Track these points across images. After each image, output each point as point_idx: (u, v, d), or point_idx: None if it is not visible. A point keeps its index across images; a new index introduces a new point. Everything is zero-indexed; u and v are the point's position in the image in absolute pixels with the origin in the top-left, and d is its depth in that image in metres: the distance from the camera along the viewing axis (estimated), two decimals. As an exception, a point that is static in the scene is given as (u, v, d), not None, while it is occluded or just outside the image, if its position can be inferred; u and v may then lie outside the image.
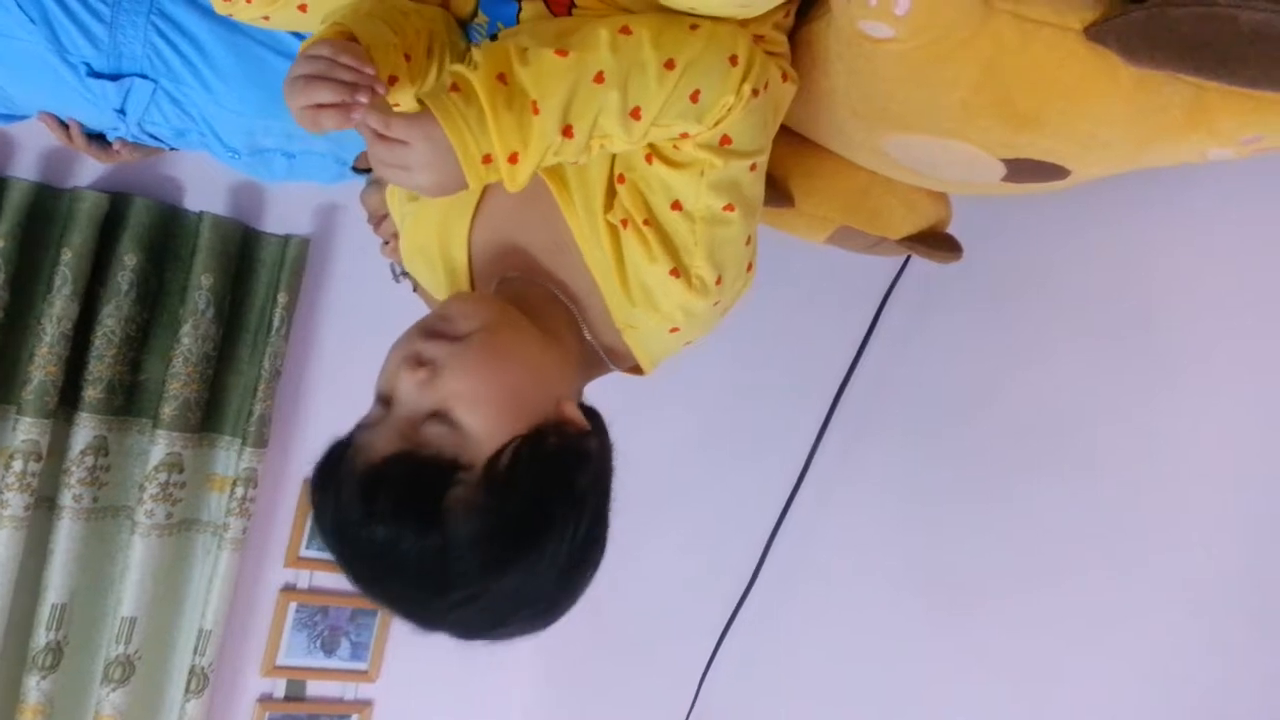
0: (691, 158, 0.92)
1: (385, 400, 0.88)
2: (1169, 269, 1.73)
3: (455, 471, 0.83)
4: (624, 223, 0.93)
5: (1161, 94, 0.97)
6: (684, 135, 0.91)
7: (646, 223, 0.92)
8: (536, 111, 0.86)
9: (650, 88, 0.88)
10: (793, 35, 1.04)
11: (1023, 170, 1.13)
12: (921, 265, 1.56)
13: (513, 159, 0.86)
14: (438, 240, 1.07)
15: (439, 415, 0.85)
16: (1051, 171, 1.13)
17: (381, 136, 0.87)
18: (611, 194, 0.94)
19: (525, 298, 0.98)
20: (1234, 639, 1.56)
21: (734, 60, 0.91)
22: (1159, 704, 1.60)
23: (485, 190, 1.01)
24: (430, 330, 0.88)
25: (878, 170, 1.28)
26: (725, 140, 0.92)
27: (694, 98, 0.89)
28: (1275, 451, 1.57)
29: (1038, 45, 0.94)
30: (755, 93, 0.92)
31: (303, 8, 1.02)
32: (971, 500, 1.88)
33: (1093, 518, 1.71)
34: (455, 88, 0.86)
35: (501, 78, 0.86)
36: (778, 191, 1.31)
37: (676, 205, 0.92)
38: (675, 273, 0.92)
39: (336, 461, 0.86)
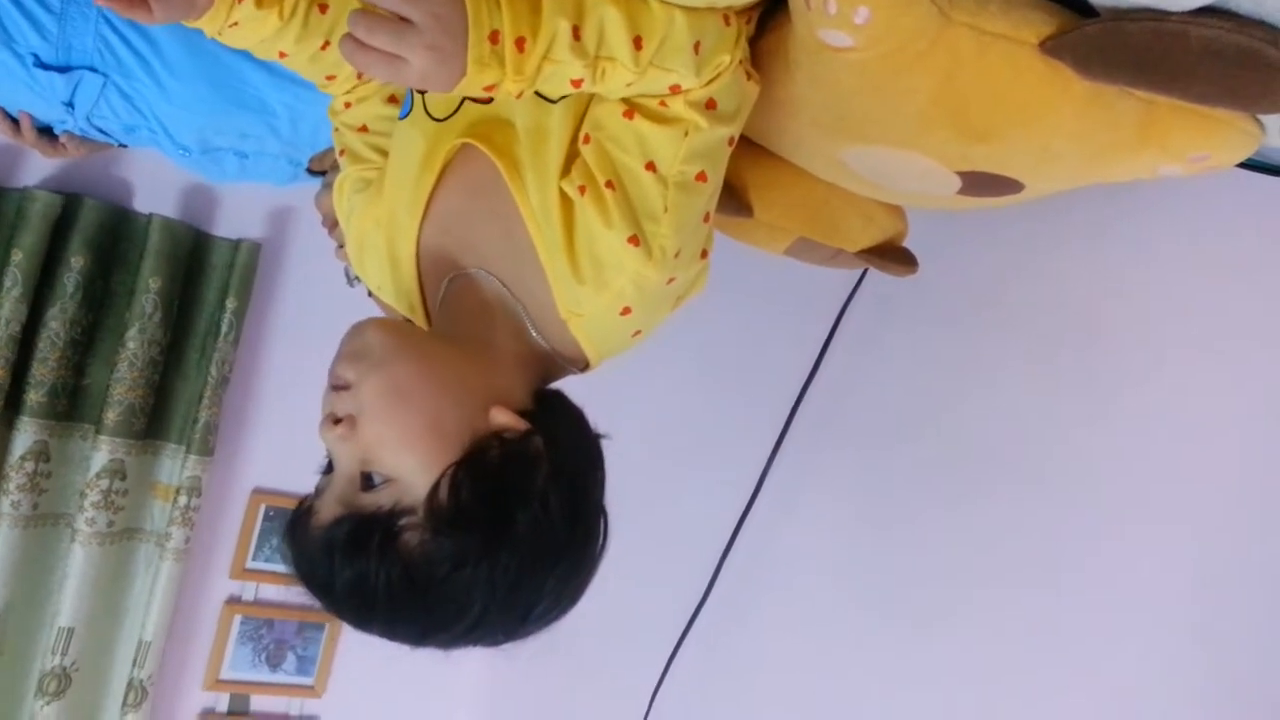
0: (678, 115, 0.91)
1: (330, 461, 0.89)
2: (1121, 287, 1.76)
3: (400, 519, 0.83)
4: (581, 189, 0.90)
5: (1114, 109, 0.99)
6: (674, 90, 0.90)
7: (609, 184, 0.90)
8: None
9: (655, 19, 0.87)
10: (753, 44, 1.05)
11: (978, 183, 1.14)
12: (878, 278, 1.58)
13: (519, 44, 0.83)
14: (385, 236, 1.05)
15: (368, 467, 0.86)
16: (1006, 185, 1.14)
17: None
18: (571, 161, 0.93)
19: (464, 300, 0.97)
20: (1183, 652, 1.59)
21: (727, 20, 0.93)
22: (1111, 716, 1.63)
23: (436, 186, 0.99)
24: (338, 379, 0.88)
25: (836, 181, 1.29)
26: (711, 104, 0.93)
27: (695, 48, 0.89)
28: (1225, 467, 1.60)
29: (994, 58, 0.95)
30: (741, 61, 0.94)
31: (282, 55, 1.01)
32: (928, 511, 1.90)
33: (1049, 529, 1.73)
34: None
35: None
36: (737, 201, 1.31)
37: (651, 166, 0.90)
38: (634, 240, 0.89)
39: (295, 524, 0.88)
